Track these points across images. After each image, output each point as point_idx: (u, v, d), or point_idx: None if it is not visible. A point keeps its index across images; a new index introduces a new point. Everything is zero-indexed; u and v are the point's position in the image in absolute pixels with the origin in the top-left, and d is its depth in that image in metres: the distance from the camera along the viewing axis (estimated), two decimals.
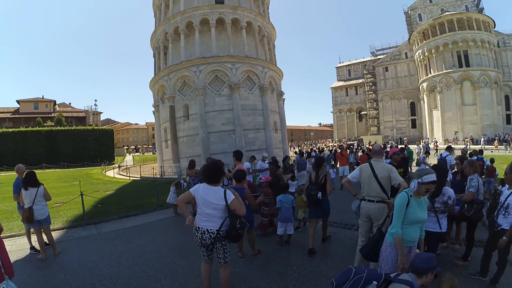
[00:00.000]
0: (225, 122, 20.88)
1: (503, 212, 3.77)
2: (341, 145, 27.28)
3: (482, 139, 34.68)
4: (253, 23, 23.34)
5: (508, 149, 28.97)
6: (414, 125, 52.64)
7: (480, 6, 47.33)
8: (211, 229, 3.35)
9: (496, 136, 36.11)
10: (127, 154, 56.71)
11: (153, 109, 25.80)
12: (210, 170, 3.53)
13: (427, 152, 13.51)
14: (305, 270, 4.57)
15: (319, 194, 5.30)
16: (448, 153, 9.49)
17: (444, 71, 42.17)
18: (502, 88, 42.77)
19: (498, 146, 30.92)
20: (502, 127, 41.14)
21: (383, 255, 3.10)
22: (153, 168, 22.46)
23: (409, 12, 53.46)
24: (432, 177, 2.92)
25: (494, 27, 44.32)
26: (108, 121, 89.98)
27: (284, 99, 26.18)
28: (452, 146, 29.29)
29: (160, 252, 5.59)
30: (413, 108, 52.62)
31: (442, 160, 9.07)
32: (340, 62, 67.45)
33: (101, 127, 43.95)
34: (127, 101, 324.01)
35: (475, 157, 8.84)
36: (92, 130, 39.85)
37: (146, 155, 53.77)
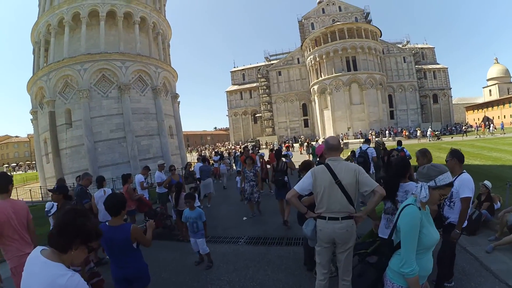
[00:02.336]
0: (114, 129, 18.76)
1: (448, 203, 3.41)
2: (246, 146, 26.39)
3: (387, 132, 39.37)
4: (148, 18, 21.81)
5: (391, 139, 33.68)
6: (306, 125, 56.78)
7: (368, 18, 54.01)
8: None
9: (382, 130, 41.58)
10: (7, 173, 47.03)
11: (32, 116, 21.85)
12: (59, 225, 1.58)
13: None
14: None
15: (286, 178, 6.79)
16: (368, 146, 8.82)
17: (334, 74, 46.44)
18: (386, 88, 49.23)
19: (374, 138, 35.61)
20: (386, 122, 47.31)
21: None
22: (30, 190, 18.75)
23: (303, 21, 57.72)
24: (449, 177, 2.04)
25: (381, 36, 50.87)
26: None
27: (179, 102, 25.05)
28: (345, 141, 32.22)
29: None
30: (305, 109, 56.85)
31: (363, 153, 8.33)
32: (234, 67, 68.61)
33: None
34: (6, 108, 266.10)
35: (396, 148, 8.31)
36: None
37: (29, 173, 45.09)
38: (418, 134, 35.24)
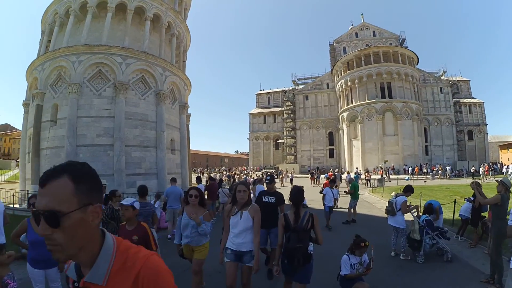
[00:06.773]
0: (102, 133, 15.70)
1: None
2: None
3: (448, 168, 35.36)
4: (162, 16, 19.36)
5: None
6: (332, 155, 52.34)
7: (404, 45, 49.86)
8: None
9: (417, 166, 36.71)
10: (16, 167, 45.60)
11: (24, 109, 19.53)
12: None
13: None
14: None
15: (311, 247, 3.46)
16: None
17: (367, 101, 42.40)
18: (422, 120, 44.43)
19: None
20: (421, 157, 42.00)
21: None
22: (5, 190, 16.11)
23: (334, 44, 54.86)
24: None
25: (417, 63, 46.58)
26: (7, 126, 73.54)
27: (190, 114, 21.97)
28: (373, 175, 27.60)
29: None
30: (331, 138, 52.73)
31: None
32: (260, 90, 66.44)
33: None
34: None
35: None
36: None
37: None
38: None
